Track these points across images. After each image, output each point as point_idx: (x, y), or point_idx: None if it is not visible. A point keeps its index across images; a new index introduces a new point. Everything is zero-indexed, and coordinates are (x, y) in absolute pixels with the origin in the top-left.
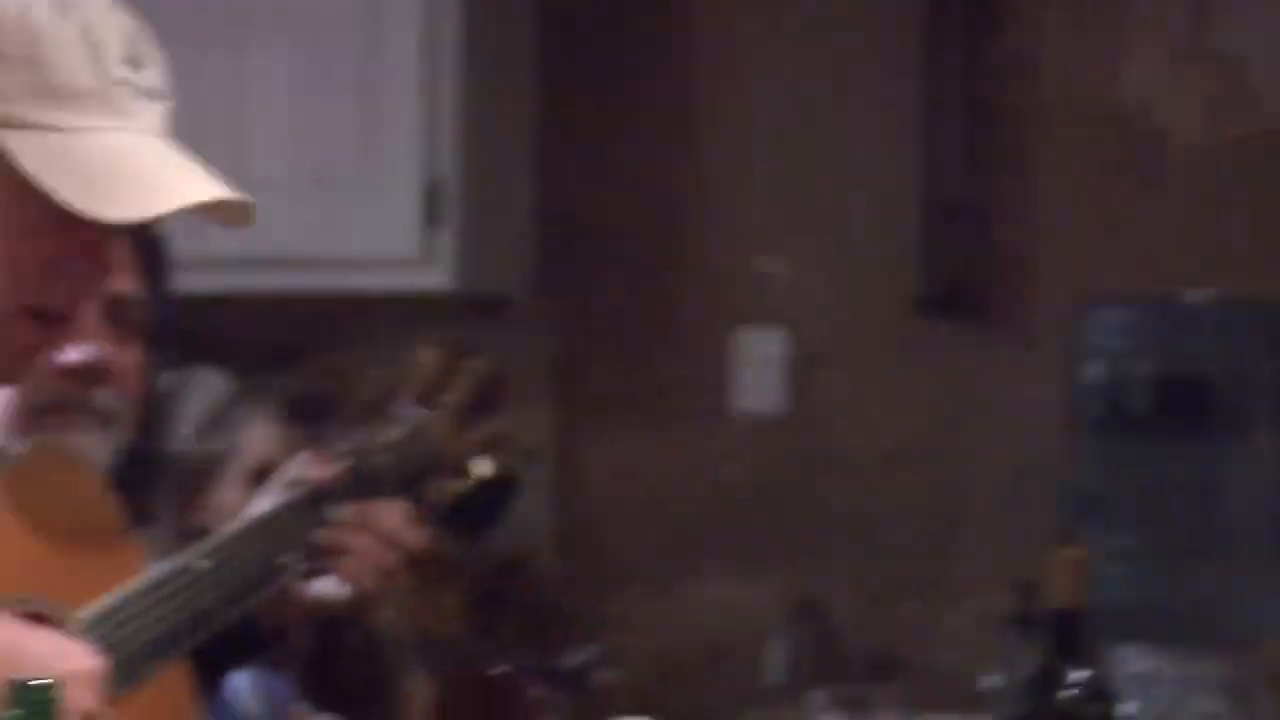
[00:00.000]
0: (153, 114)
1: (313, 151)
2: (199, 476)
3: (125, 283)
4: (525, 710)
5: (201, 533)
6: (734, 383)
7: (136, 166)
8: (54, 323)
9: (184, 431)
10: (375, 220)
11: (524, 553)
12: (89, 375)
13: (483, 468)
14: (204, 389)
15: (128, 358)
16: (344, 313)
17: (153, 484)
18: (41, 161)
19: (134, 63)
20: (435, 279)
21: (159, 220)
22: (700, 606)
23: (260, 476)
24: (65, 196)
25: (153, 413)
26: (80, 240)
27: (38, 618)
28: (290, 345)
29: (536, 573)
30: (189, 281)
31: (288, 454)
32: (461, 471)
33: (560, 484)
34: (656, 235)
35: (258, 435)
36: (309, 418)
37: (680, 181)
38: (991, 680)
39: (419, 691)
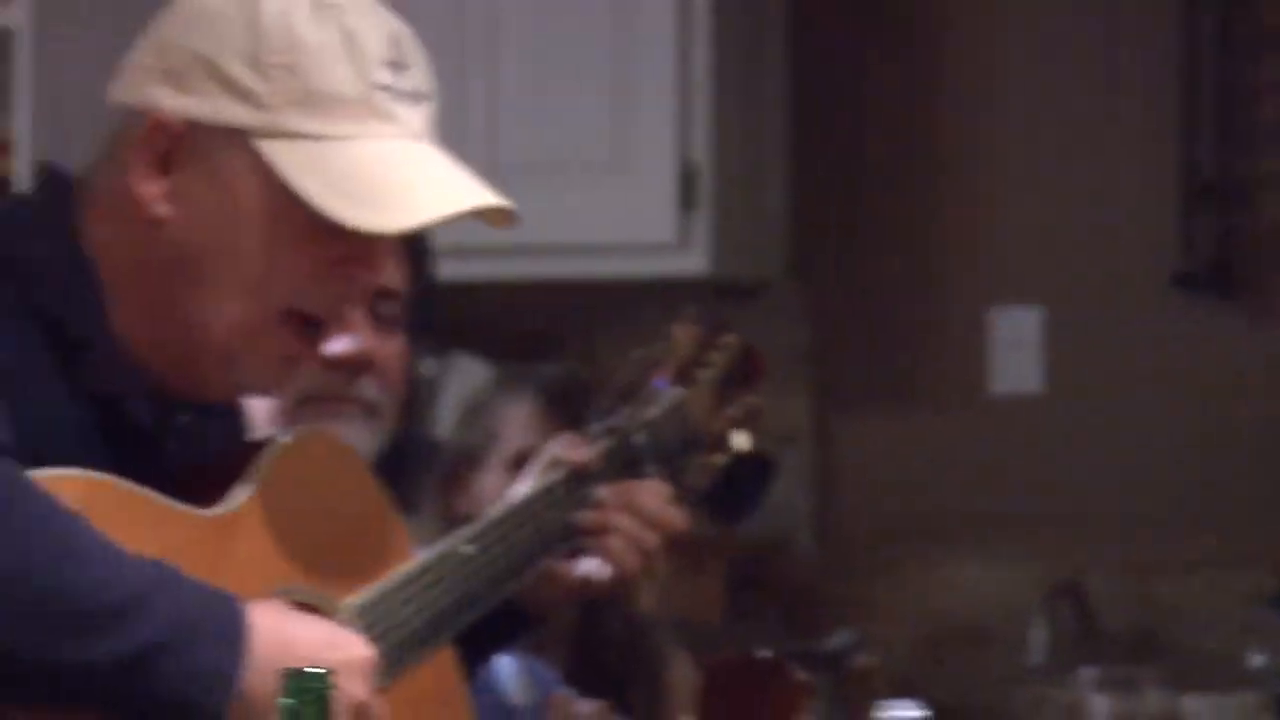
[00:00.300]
0: (416, 117)
1: (567, 137)
2: (460, 464)
3: (388, 274)
4: (791, 694)
5: (465, 520)
6: (990, 363)
7: (399, 174)
8: (317, 330)
9: (444, 420)
10: (630, 205)
11: (781, 537)
12: (353, 366)
13: (741, 442)
14: (463, 377)
15: (390, 348)
16: (600, 299)
17: (415, 472)
18: (304, 171)
19: (396, 65)
20: (691, 263)
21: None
22: (959, 589)
23: (521, 463)
24: (328, 207)
25: (414, 402)
26: (346, 248)
27: (307, 608)
28: (547, 332)
29: (794, 557)
30: (447, 270)
31: (546, 438)
32: (720, 447)
33: (817, 468)
34: (910, 217)
35: (517, 422)
36: (567, 404)
37: (934, 162)
38: (1257, 659)
39: (680, 675)
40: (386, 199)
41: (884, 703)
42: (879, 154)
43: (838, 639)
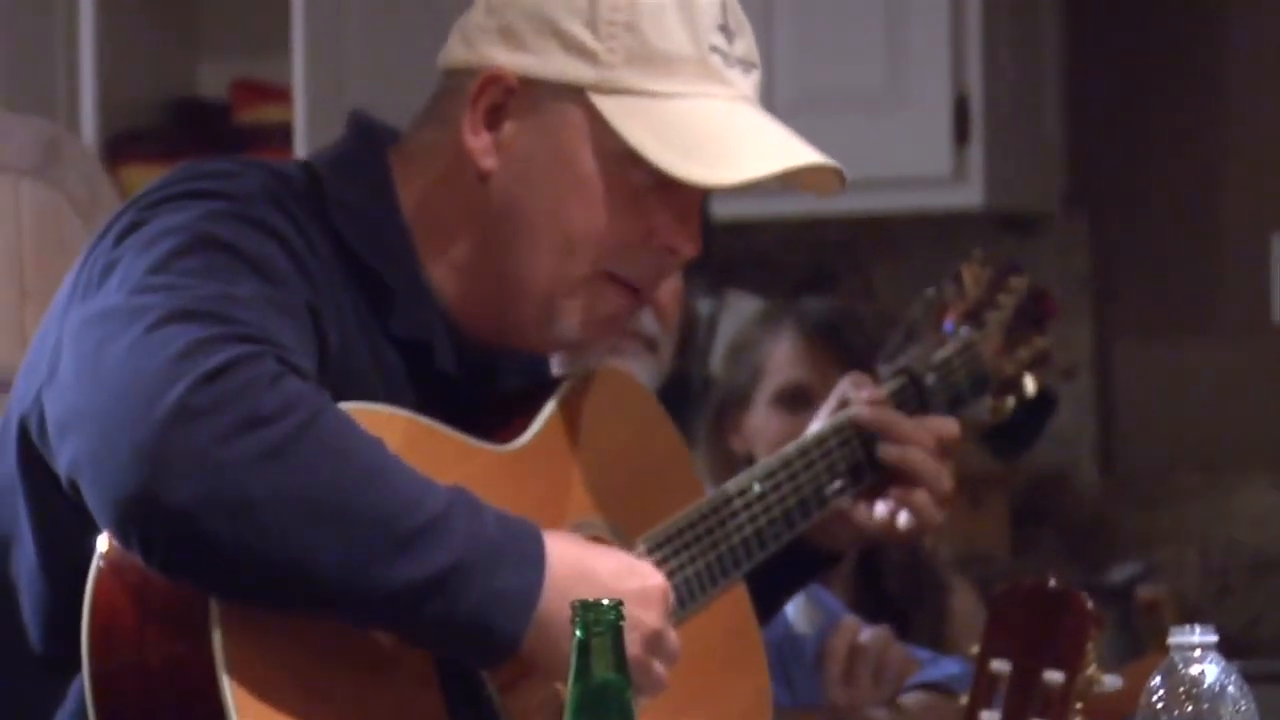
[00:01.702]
0: (746, 83)
1: (840, 72)
2: (729, 402)
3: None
4: (1080, 624)
5: (739, 458)
6: (1274, 290)
7: (732, 132)
8: (637, 295)
9: (716, 356)
10: (905, 139)
11: (1065, 468)
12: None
13: (1031, 387)
14: (737, 315)
15: (668, 284)
16: (874, 234)
17: (690, 408)
18: (639, 126)
19: (726, 31)
20: (966, 197)
21: (753, 186)
22: (1245, 518)
23: (786, 399)
24: (662, 160)
25: (690, 339)
26: (668, 214)
27: (600, 541)
28: (821, 268)
29: (1078, 488)
30: (722, 208)
31: (815, 375)
32: (1011, 389)
33: (1099, 398)
34: (1190, 144)
35: (785, 357)
36: (832, 336)
37: (1215, 85)
38: None
39: (963, 603)
40: (720, 155)
41: (1177, 629)
42: (1158, 80)
43: (1124, 570)
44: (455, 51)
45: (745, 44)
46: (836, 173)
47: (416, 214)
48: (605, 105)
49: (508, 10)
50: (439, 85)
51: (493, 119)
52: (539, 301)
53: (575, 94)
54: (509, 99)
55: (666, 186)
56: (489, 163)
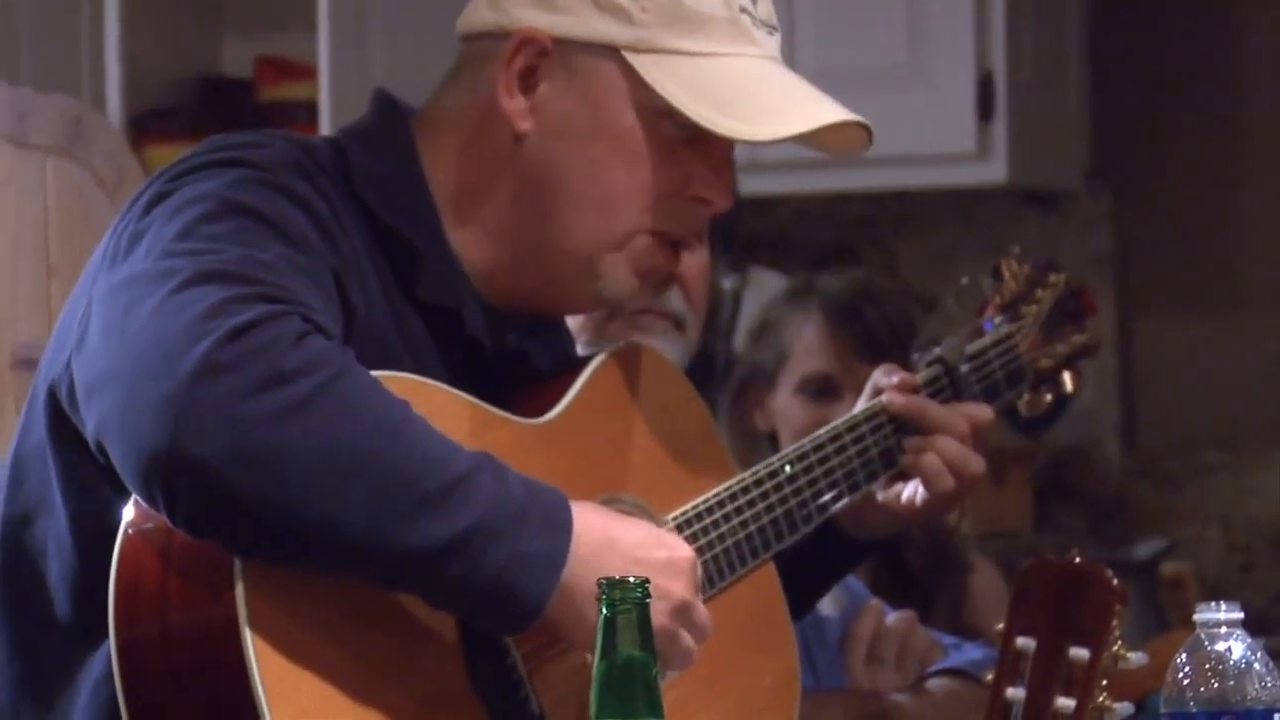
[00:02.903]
0: (771, 43)
1: (864, 48)
2: (752, 381)
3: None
4: (1105, 599)
5: (758, 433)
6: None
7: (767, 89)
8: (676, 249)
9: (740, 332)
10: (929, 115)
11: (1087, 444)
12: (651, 295)
13: (1070, 384)
14: (759, 289)
15: (694, 262)
16: (898, 210)
17: (714, 385)
18: (676, 84)
19: None
20: (989, 173)
21: (795, 138)
22: (1268, 494)
23: (814, 387)
24: (701, 116)
25: (715, 316)
26: (702, 168)
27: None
28: (845, 244)
29: (1100, 464)
30: (746, 185)
31: (839, 364)
32: (1047, 385)
33: (1123, 375)
34: (1213, 120)
35: (810, 344)
36: (854, 321)
37: (1239, 58)
38: None
39: (985, 582)
40: (757, 111)
41: (1203, 605)
42: (1181, 56)
43: (1147, 546)
44: (480, 15)
45: (767, 6)
46: (865, 132)
47: (443, 181)
48: (641, 64)
49: None
50: (461, 51)
51: (527, 81)
52: (581, 260)
53: (610, 53)
54: (543, 60)
55: (699, 141)
56: (525, 124)
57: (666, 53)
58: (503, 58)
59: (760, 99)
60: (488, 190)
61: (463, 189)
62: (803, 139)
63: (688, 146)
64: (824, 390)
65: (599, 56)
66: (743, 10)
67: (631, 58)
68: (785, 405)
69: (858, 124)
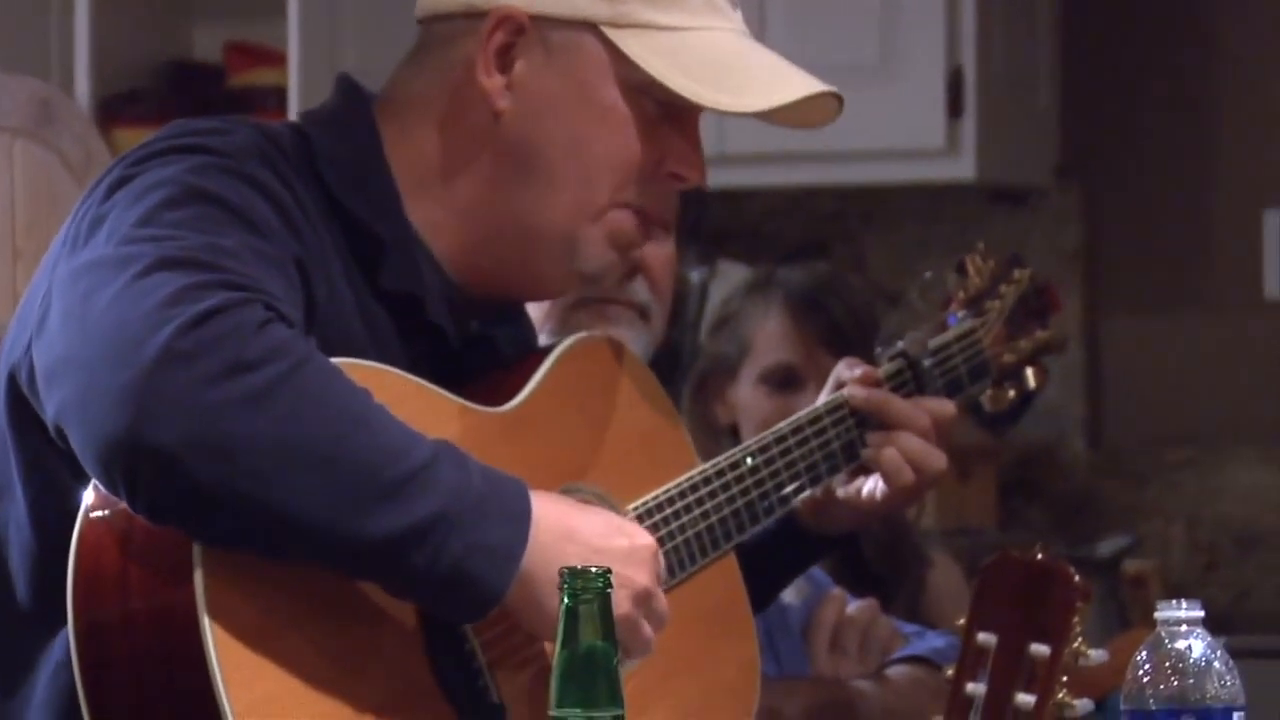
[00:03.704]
0: (738, 18)
1: (834, 43)
2: (714, 373)
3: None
4: (1068, 596)
5: (719, 425)
6: (1265, 266)
7: (746, 62)
8: (649, 224)
9: (704, 326)
10: (898, 111)
11: (1053, 442)
12: (626, 270)
13: (1033, 380)
14: (727, 283)
15: (660, 252)
16: (867, 205)
17: (681, 377)
18: (657, 57)
19: None
20: (959, 169)
21: (771, 112)
22: (1233, 493)
23: (777, 379)
24: (684, 88)
25: (681, 308)
26: (677, 144)
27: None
28: (813, 239)
29: (1066, 462)
30: (715, 178)
31: (801, 354)
32: (1010, 378)
33: (1089, 371)
34: (1183, 118)
35: (772, 336)
36: (816, 313)
37: (1206, 64)
38: None
39: (944, 578)
40: (740, 84)
41: (1163, 603)
42: (1151, 54)
43: (1111, 543)
44: None
45: None
46: (836, 103)
47: (409, 163)
48: (621, 39)
49: None
50: (423, 34)
51: (503, 59)
52: (559, 235)
53: (589, 29)
54: (519, 38)
55: (674, 117)
56: (503, 102)
57: (645, 27)
58: (479, 36)
59: (741, 72)
60: (460, 170)
61: (431, 170)
62: (780, 112)
63: (664, 123)
64: (787, 381)
65: (578, 32)
66: None
67: (611, 33)
68: (747, 397)
69: (831, 96)
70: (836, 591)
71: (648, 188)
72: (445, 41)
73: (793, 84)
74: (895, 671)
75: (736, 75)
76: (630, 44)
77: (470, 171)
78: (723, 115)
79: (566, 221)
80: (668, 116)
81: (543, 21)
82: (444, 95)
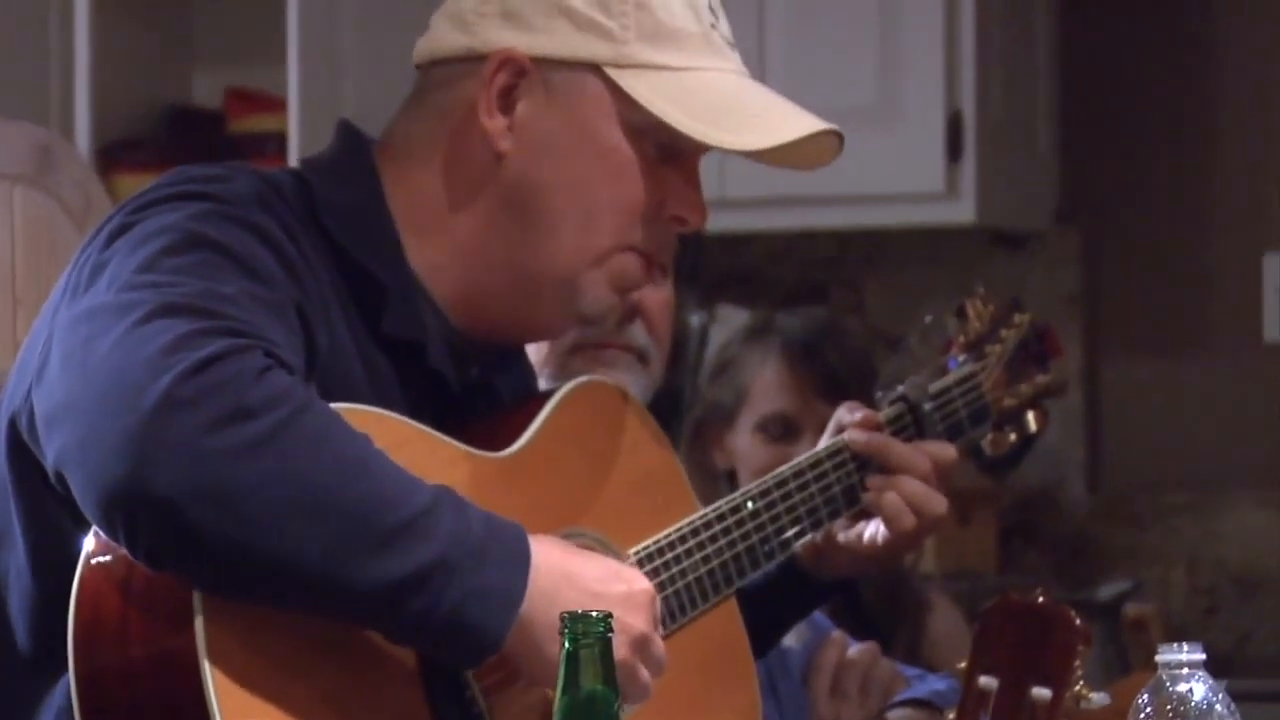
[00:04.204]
0: (737, 59)
1: (834, 87)
2: (712, 419)
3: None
4: (1069, 640)
5: (717, 471)
6: (1265, 310)
7: (747, 101)
8: (651, 264)
9: (703, 370)
10: (898, 155)
11: (1052, 485)
12: (623, 313)
13: (1033, 424)
14: (726, 327)
15: (659, 296)
16: (867, 249)
17: (680, 421)
18: (660, 97)
19: (714, 12)
20: (958, 212)
21: (770, 151)
22: (1234, 537)
23: (774, 428)
24: (687, 128)
25: (681, 352)
26: (677, 186)
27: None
28: (813, 283)
29: (1066, 505)
30: (714, 222)
31: (799, 403)
32: (1011, 422)
33: (1089, 415)
34: (1183, 163)
35: (769, 384)
36: (813, 360)
37: (1209, 104)
38: None
39: (944, 621)
40: (740, 122)
41: (1164, 646)
42: (1151, 98)
43: (1111, 587)
44: (446, 39)
45: (725, 24)
46: (837, 142)
47: (409, 208)
48: (624, 80)
49: None
50: (420, 79)
51: (505, 101)
52: (560, 279)
53: (592, 70)
54: (520, 80)
55: (675, 159)
56: (505, 144)
57: (646, 68)
58: (481, 78)
59: (742, 111)
60: (461, 212)
61: (432, 213)
62: (782, 151)
63: (665, 165)
64: (784, 430)
65: (579, 74)
66: (712, 26)
67: (613, 73)
68: (744, 444)
69: (833, 135)
70: (837, 635)
71: (650, 229)
72: (445, 85)
73: (795, 122)
74: (896, 715)
75: (738, 114)
76: (634, 85)
77: (471, 213)
78: (725, 155)
79: (568, 264)
80: (669, 158)
81: (544, 63)
82: (445, 138)
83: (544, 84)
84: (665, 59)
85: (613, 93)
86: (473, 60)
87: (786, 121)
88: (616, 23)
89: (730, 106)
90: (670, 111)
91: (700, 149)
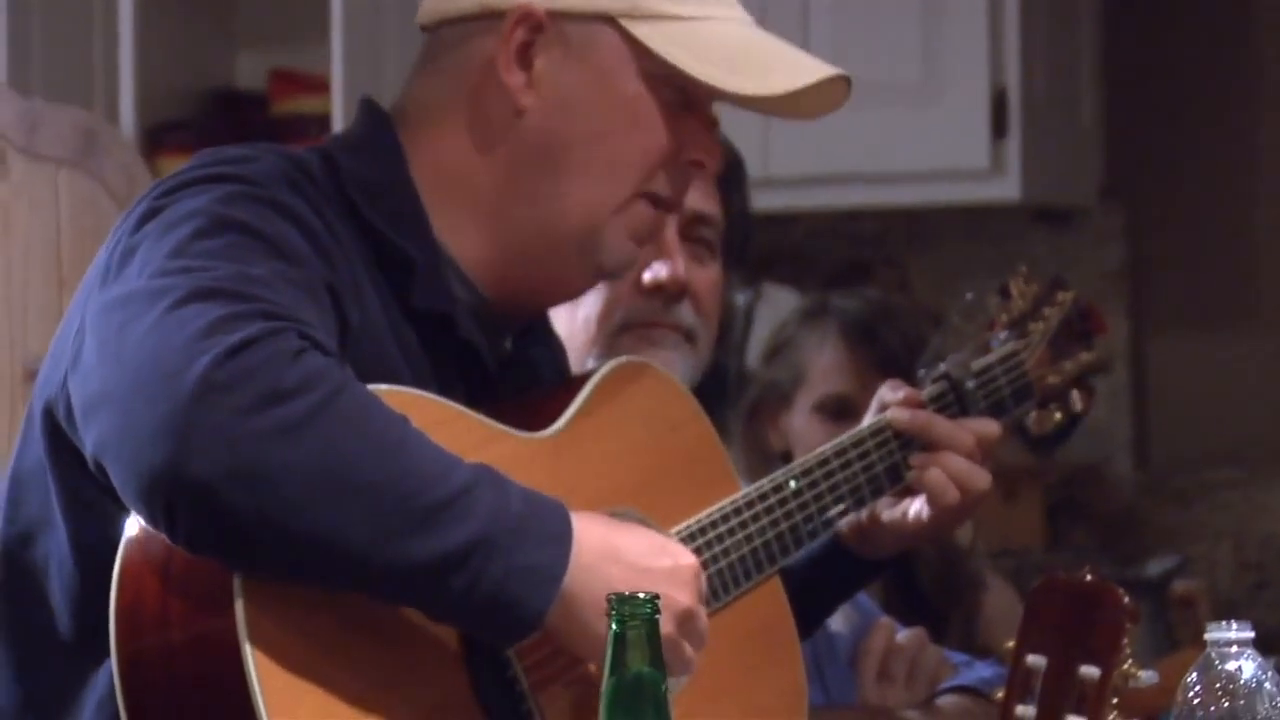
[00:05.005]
0: (742, 10)
1: (877, 64)
2: (768, 400)
3: (703, 201)
4: (1117, 618)
5: (776, 455)
6: None
7: (759, 48)
8: (667, 209)
9: (752, 348)
10: (942, 132)
11: (1099, 462)
12: (670, 293)
13: (1075, 404)
14: (772, 305)
15: (705, 276)
16: (911, 226)
17: (725, 402)
18: (675, 46)
19: None
20: (1003, 190)
21: (781, 100)
22: None
23: (827, 409)
24: (704, 74)
25: (727, 332)
26: (695, 130)
27: None
28: (858, 261)
29: (1112, 482)
30: (759, 201)
31: (856, 384)
32: (1056, 400)
33: (1135, 391)
34: (1227, 137)
35: (827, 366)
36: (871, 342)
37: (1249, 82)
38: None
39: (997, 601)
40: (756, 68)
41: (1213, 625)
42: (1195, 73)
43: (1159, 564)
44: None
45: None
46: (845, 89)
47: (432, 176)
48: (638, 30)
49: None
50: (429, 41)
51: (524, 57)
52: (585, 229)
53: (607, 22)
54: (538, 36)
55: (690, 105)
56: (526, 99)
57: (659, 18)
58: (498, 34)
59: (755, 58)
60: (484, 173)
61: (454, 175)
62: (792, 100)
63: (682, 110)
64: (842, 411)
65: (595, 26)
66: None
67: (628, 24)
68: (802, 425)
69: (841, 81)
70: (884, 620)
71: (669, 175)
72: (458, 45)
73: (806, 68)
74: (943, 701)
75: (752, 62)
76: (648, 34)
77: (494, 171)
78: (768, 133)
79: (592, 214)
80: (685, 104)
81: (560, 17)
82: (463, 98)
83: (561, 37)
84: (678, 9)
85: (628, 43)
86: (487, 18)
87: (799, 67)
88: None
89: (743, 54)
90: (684, 59)
91: (713, 92)
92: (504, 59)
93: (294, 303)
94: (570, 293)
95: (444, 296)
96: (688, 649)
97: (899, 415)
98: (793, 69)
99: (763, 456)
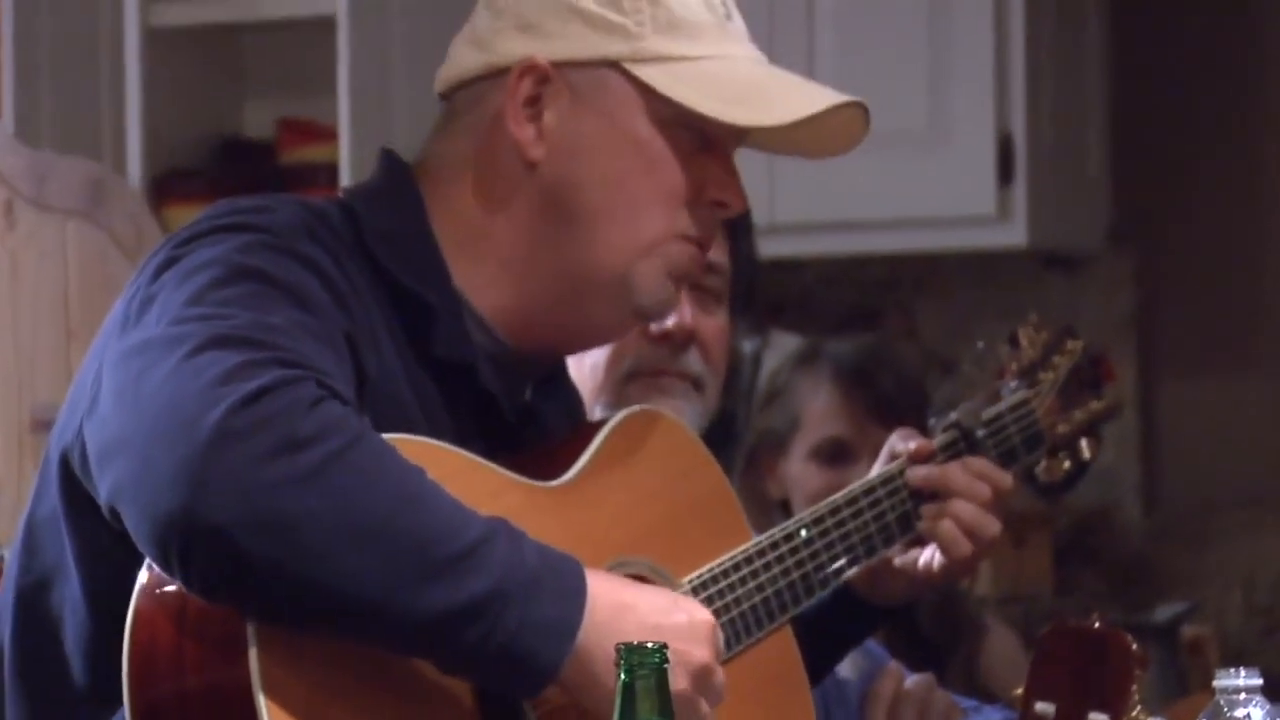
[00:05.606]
0: (754, 48)
1: (883, 110)
2: (764, 447)
3: (710, 249)
4: (1125, 664)
5: (770, 499)
6: None
7: (769, 82)
8: (701, 248)
9: (756, 397)
10: (949, 178)
11: (1108, 507)
12: (677, 341)
13: (1084, 452)
14: (779, 352)
15: (713, 323)
16: (918, 273)
17: (734, 447)
18: (683, 86)
19: (727, 6)
20: (1010, 235)
21: (800, 135)
22: None
23: (827, 453)
24: (714, 111)
25: (735, 379)
26: (715, 172)
27: (642, 580)
28: (865, 307)
29: (1121, 527)
30: (766, 248)
31: (852, 428)
32: (1065, 449)
33: (1144, 436)
34: (1235, 182)
35: (822, 410)
36: (866, 386)
37: (1257, 127)
38: None
39: (1000, 646)
40: (766, 102)
41: (1222, 672)
42: (1202, 118)
43: (1168, 609)
44: (465, 61)
45: (740, 20)
46: (864, 122)
47: (450, 228)
48: (644, 73)
49: (518, 5)
50: (449, 106)
51: (532, 110)
52: (613, 273)
53: (612, 68)
54: (543, 88)
55: (710, 146)
56: (537, 152)
57: (668, 60)
58: (505, 90)
59: (768, 91)
60: (501, 227)
61: (472, 232)
62: (813, 134)
63: (700, 152)
64: (838, 455)
65: (600, 72)
66: (726, 17)
67: (634, 68)
68: (798, 471)
69: (859, 110)
70: (893, 665)
71: (695, 215)
72: (471, 106)
73: (817, 97)
74: None
75: (761, 95)
76: (654, 76)
77: (511, 225)
78: (775, 180)
79: (618, 260)
80: (704, 147)
81: (565, 66)
82: (476, 154)
83: (568, 87)
84: (683, 49)
85: (635, 86)
86: (494, 75)
87: (809, 97)
88: (630, 19)
89: (752, 88)
90: (692, 97)
91: (731, 132)
92: (512, 112)
93: (312, 351)
94: (606, 336)
95: (465, 344)
96: (704, 706)
97: (915, 474)
98: (805, 98)
99: (761, 505)
